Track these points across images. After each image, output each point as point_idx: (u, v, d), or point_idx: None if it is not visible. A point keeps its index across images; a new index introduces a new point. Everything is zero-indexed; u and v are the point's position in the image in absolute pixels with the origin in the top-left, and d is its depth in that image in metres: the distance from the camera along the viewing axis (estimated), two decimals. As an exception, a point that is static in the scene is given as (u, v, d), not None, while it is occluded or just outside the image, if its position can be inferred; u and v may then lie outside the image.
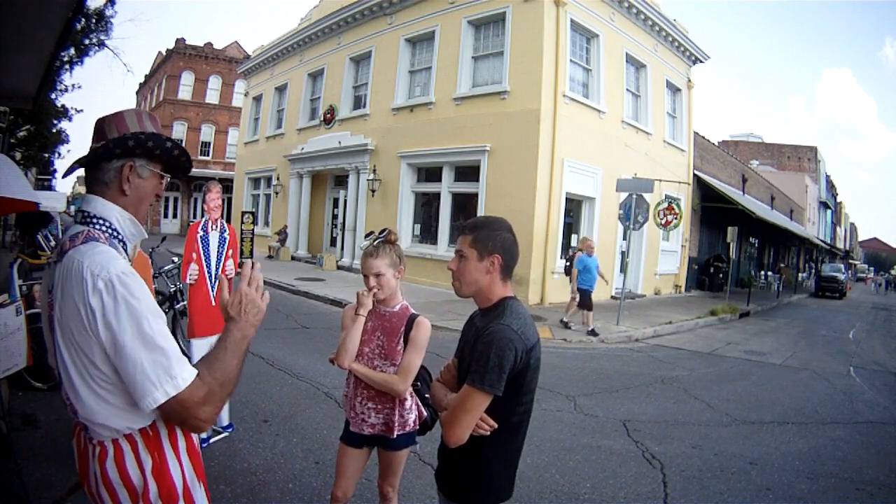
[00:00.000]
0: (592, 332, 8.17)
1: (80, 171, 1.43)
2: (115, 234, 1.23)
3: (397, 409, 2.08)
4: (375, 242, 2.11)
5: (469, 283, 1.57)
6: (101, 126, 1.28)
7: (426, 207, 13.53)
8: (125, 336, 1.07)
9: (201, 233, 3.63)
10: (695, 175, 16.30)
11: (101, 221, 1.23)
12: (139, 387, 1.08)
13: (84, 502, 1.30)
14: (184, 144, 28.53)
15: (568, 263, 9.51)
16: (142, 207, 1.31)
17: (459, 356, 1.65)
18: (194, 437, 1.32)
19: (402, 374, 2.04)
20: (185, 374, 1.11)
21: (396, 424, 2.07)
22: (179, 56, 29.13)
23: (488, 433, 1.47)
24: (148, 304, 1.12)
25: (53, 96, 13.24)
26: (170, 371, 1.09)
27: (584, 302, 8.45)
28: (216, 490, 2.86)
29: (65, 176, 1.45)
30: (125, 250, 1.25)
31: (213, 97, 29.80)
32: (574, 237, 12.43)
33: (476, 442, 1.49)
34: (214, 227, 3.67)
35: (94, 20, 11.13)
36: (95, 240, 1.16)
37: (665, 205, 11.67)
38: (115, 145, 1.24)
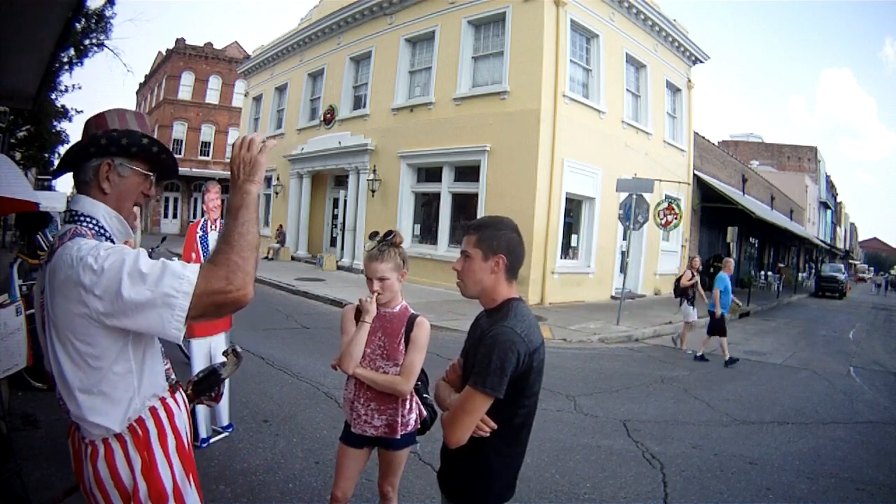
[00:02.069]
0: (732, 361, 7.14)
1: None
2: (101, 231, 1.24)
3: (400, 410, 2.09)
4: (381, 245, 2.08)
5: (473, 283, 1.56)
6: (87, 127, 1.29)
7: (426, 207, 13.53)
8: (127, 284, 1.06)
9: (200, 233, 3.63)
10: (695, 175, 16.30)
11: (87, 219, 1.23)
12: (164, 310, 1.07)
13: (79, 502, 1.30)
14: (183, 144, 28.72)
15: (677, 283, 8.21)
16: (124, 206, 1.30)
17: (465, 356, 1.65)
18: (185, 436, 1.32)
19: (405, 375, 2.04)
20: (191, 267, 1.10)
21: (399, 425, 2.08)
22: (179, 56, 29.15)
23: (488, 434, 1.47)
24: (136, 254, 1.11)
25: (53, 97, 13.23)
26: (177, 274, 1.08)
27: (721, 327, 7.35)
28: (216, 490, 2.86)
29: (55, 177, 1.46)
30: None
31: (213, 97, 29.82)
32: (574, 237, 12.44)
33: (477, 443, 1.48)
34: (214, 227, 3.67)
35: (93, 20, 11.12)
36: (82, 236, 1.17)
37: (665, 205, 11.66)
38: (89, 144, 1.24)
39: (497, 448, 1.53)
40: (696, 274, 8.02)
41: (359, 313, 2.10)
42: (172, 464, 1.25)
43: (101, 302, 1.08)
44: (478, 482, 1.55)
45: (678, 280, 8.25)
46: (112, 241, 1.25)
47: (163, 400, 1.28)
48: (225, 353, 1.53)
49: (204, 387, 1.53)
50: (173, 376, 1.38)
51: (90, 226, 1.22)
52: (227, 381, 1.76)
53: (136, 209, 1.41)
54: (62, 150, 20.61)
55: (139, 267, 1.08)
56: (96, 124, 1.28)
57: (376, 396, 2.08)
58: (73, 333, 1.12)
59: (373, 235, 2.14)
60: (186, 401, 1.42)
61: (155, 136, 1.34)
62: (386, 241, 2.08)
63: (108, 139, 1.24)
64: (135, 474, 1.19)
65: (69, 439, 1.28)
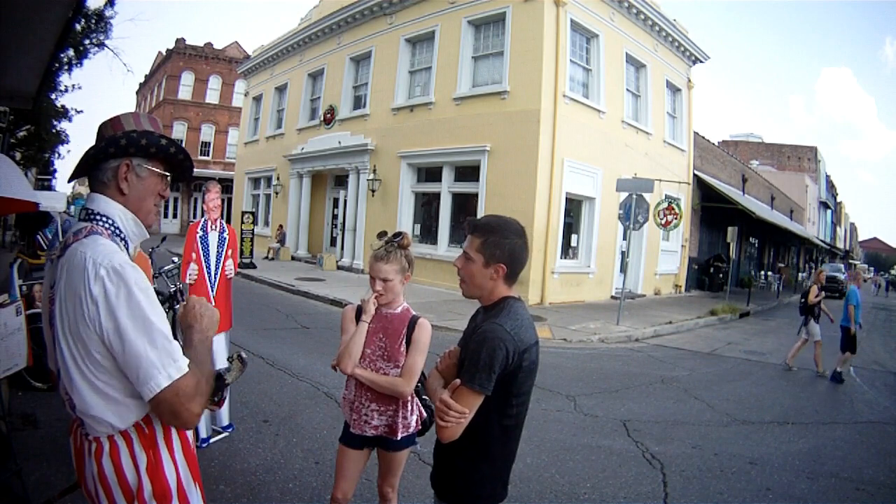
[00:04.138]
0: (840, 378, 6.66)
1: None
2: (117, 231, 1.25)
3: (400, 411, 2.08)
4: (388, 246, 2.06)
5: (473, 286, 1.57)
6: (101, 131, 1.30)
7: (426, 207, 13.53)
8: (128, 323, 1.09)
9: (201, 233, 3.62)
10: (695, 175, 16.30)
11: (104, 219, 1.24)
12: (143, 371, 1.10)
13: (78, 502, 1.30)
14: (184, 144, 28.54)
15: (804, 300, 7.49)
16: (143, 207, 1.31)
17: (462, 346, 1.65)
18: (190, 437, 1.32)
19: (406, 376, 2.04)
20: (185, 360, 1.15)
21: (400, 426, 2.07)
22: (179, 56, 29.14)
23: (453, 420, 1.42)
24: (148, 293, 1.15)
25: (53, 97, 13.24)
26: (173, 355, 1.12)
27: (852, 343, 6.79)
28: (216, 490, 2.86)
29: (70, 180, 1.47)
30: (127, 250, 1.26)
31: (213, 97, 29.80)
32: (574, 237, 12.44)
33: (467, 443, 1.48)
34: (214, 226, 3.66)
35: (93, 20, 11.12)
36: (98, 234, 1.18)
37: (665, 205, 11.67)
38: (108, 145, 1.25)
39: (486, 449, 1.53)
40: (821, 290, 7.36)
41: (359, 313, 2.10)
42: (178, 464, 1.25)
43: (101, 320, 1.10)
44: (467, 483, 1.55)
45: (804, 296, 7.46)
46: (127, 243, 1.27)
47: None
48: (230, 359, 1.53)
49: None
50: None
51: (106, 225, 1.24)
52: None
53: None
54: (62, 150, 20.63)
55: (148, 317, 1.12)
56: (112, 128, 1.29)
57: (377, 397, 2.07)
58: (77, 333, 1.12)
59: (381, 234, 2.11)
60: None
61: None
62: (393, 243, 2.06)
63: (127, 140, 1.25)
64: (139, 472, 1.19)
65: (71, 436, 1.28)
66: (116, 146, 1.25)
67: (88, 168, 1.28)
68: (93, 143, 1.31)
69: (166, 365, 1.11)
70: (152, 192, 1.33)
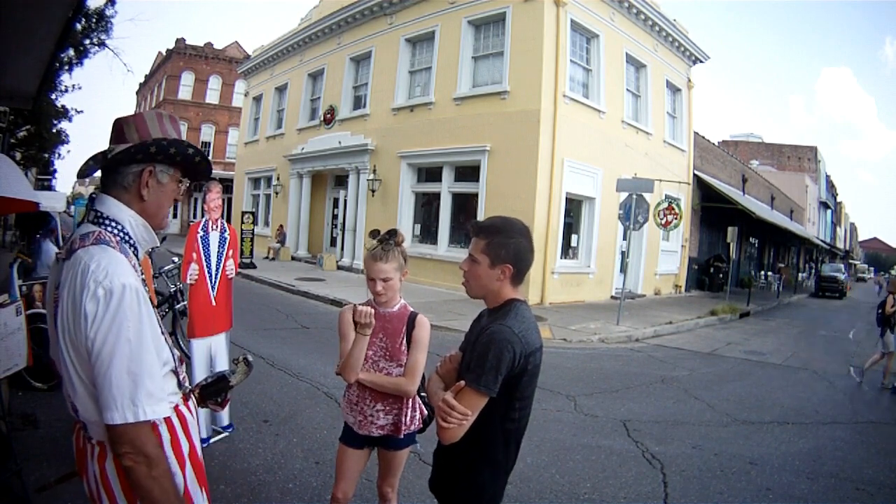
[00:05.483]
0: None
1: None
2: (126, 238, 1.22)
3: (405, 410, 2.09)
4: (384, 245, 2.05)
5: (479, 287, 1.57)
6: (121, 127, 1.26)
7: (426, 207, 13.53)
8: (105, 349, 1.07)
9: (201, 233, 3.62)
10: (695, 175, 16.29)
11: (113, 224, 1.21)
12: (102, 400, 1.08)
13: (73, 492, 1.28)
14: (184, 145, 28.73)
15: (880, 311, 7.06)
16: (160, 212, 1.31)
17: (464, 350, 1.65)
18: (197, 443, 1.30)
19: (409, 376, 2.04)
20: (147, 409, 1.09)
21: (404, 425, 2.08)
22: (179, 56, 29.14)
23: (455, 421, 1.41)
24: (139, 326, 1.11)
25: (53, 97, 13.24)
26: (134, 398, 1.08)
27: None
28: (216, 490, 2.85)
29: (80, 176, 1.45)
30: (136, 256, 1.23)
31: (213, 97, 29.80)
32: (574, 237, 12.44)
33: (468, 446, 1.47)
34: (214, 227, 3.66)
35: (94, 20, 11.13)
36: (106, 243, 1.15)
37: (665, 205, 11.67)
38: (138, 151, 1.22)
39: (490, 454, 1.52)
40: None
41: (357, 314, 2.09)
42: (185, 471, 1.23)
43: (86, 336, 1.08)
44: (472, 487, 1.54)
45: (881, 307, 7.06)
46: (136, 250, 1.25)
47: (176, 407, 1.26)
48: (235, 361, 1.51)
49: (211, 392, 1.52)
50: (188, 385, 1.36)
51: (115, 231, 1.21)
52: None
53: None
54: (62, 150, 20.62)
55: (124, 351, 1.07)
56: (137, 129, 1.26)
57: (381, 397, 2.07)
58: (75, 342, 1.11)
59: (374, 234, 2.10)
60: (197, 408, 1.41)
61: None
62: (389, 241, 2.06)
63: (157, 147, 1.23)
64: None
65: (74, 437, 1.27)
66: (146, 153, 1.23)
67: (106, 167, 1.25)
68: (94, 141, 1.29)
69: (124, 406, 1.07)
70: (170, 197, 1.32)
